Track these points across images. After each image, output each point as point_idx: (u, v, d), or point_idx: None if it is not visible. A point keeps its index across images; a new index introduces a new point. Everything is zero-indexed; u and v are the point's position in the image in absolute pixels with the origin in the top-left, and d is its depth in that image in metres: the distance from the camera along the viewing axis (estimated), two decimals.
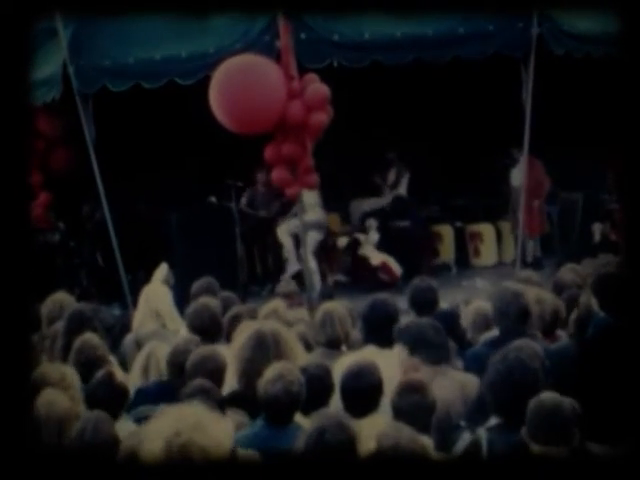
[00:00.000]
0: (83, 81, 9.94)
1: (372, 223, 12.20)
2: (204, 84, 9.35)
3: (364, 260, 11.89)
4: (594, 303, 5.17)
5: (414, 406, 4.26)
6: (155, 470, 3.31)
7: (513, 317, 5.17)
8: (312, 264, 10.87)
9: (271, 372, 4.34)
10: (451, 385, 4.83)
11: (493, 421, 4.19)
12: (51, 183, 11.92)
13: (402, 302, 6.24)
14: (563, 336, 5.76)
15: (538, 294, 5.77)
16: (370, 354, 5.31)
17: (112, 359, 6.24)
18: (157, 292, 8.06)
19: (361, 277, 11.92)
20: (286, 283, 11.19)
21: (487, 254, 12.98)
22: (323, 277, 11.46)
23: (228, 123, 9.29)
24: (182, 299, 7.63)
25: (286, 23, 9.49)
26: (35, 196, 11.61)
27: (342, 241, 12.14)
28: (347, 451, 3.66)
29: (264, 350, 4.89)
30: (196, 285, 7.40)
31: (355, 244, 12.16)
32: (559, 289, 6.65)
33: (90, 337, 5.68)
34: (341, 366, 4.96)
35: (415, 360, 4.95)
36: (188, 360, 5.14)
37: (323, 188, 10.67)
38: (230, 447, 3.41)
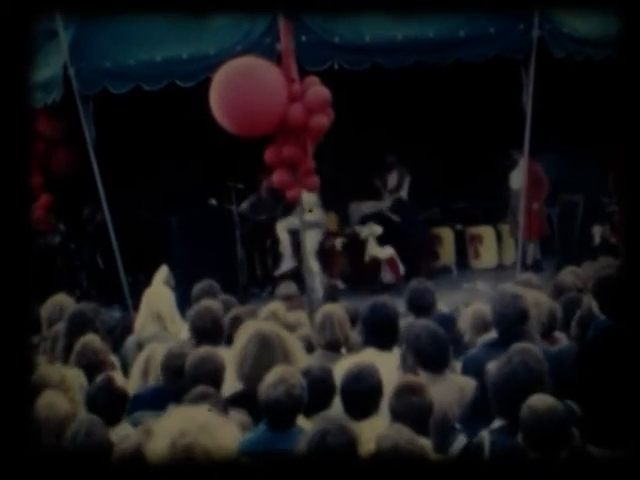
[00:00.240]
0: (84, 83, 9.95)
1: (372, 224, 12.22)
2: (204, 86, 9.35)
3: (366, 258, 11.87)
4: (594, 306, 5.18)
5: (411, 408, 4.25)
6: (157, 470, 3.32)
7: (512, 319, 5.16)
8: (313, 265, 10.86)
9: (272, 376, 4.33)
10: (450, 388, 4.83)
11: (497, 423, 4.19)
12: (51, 185, 11.92)
13: (402, 304, 6.26)
14: (563, 339, 5.76)
15: (535, 296, 5.78)
16: (370, 356, 5.31)
17: (114, 359, 6.25)
18: (159, 294, 8.04)
19: (362, 277, 11.91)
20: (286, 285, 11.20)
21: (487, 257, 12.98)
22: (325, 279, 11.46)
23: (228, 125, 9.29)
24: (182, 301, 7.63)
25: (287, 25, 9.50)
26: (35, 198, 11.61)
27: (338, 242, 12.10)
28: (348, 454, 3.66)
29: (267, 350, 4.89)
30: (197, 288, 7.40)
31: (355, 239, 12.14)
32: (559, 292, 6.64)
33: (91, 339, 5.68)
34: (341, 368, 4.96)
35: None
36: (187, 361, 5.14)
37: (323, 190, 10.67)
38: (235, 451, 3.42)
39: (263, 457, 3.92)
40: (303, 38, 9.59)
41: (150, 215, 12.29)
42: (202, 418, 3.43)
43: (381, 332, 5.53)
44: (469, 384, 4.87)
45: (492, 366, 4.55)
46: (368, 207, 13.03)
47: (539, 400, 3.96)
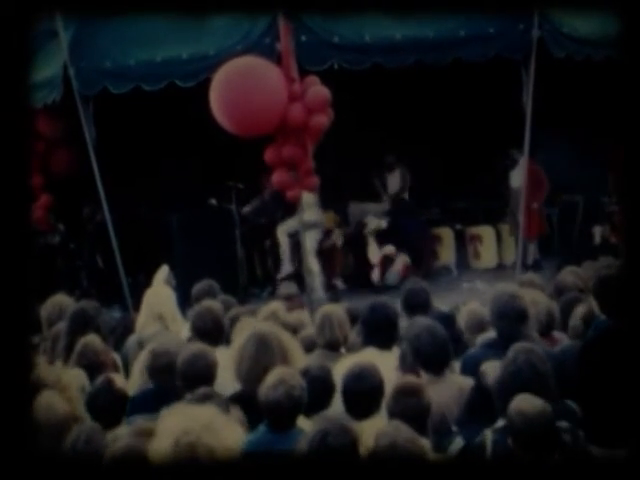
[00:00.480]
0: (84, 83, 9.95)
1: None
2: (204, 86, 9.35)
3: (371, 258, 11.89)
4: (594, 306, 5.18)
5: (409, 410, 4.24)
6: (150, 470, 3.32)
7: (511, 319, 5.16)
8: (313, 265, 10.86)
9: (272, 377, 4.33)
10: (449, 389, 4.83)
11: (500, 423, 4.19)
12: (51, 185, 11.92)
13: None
14: (564, 339, 5.77)
15: (532, 295, 5.79)
16: (370, 356, 5.31)
17: (116, 357, 6.25)
18: (160, 294, 8.04)
19: (363, 277, 11.91)
20: (286, 285, 11.22)
21: (487, 256, 12.97)
22: (326, 279, 11.47)
23: (228, 125, 9.29)
24: (182, 301, 7.63)
25: (287, 25, 9.50)
26: (35, 198, 11.61)
27: (339, 241, 12.09)
28: (349, 454, 3.66)
29: (265, 350, 4.89)
30: (196, 288, 7.40)
31: (357, 238, 12.14)
32: (560, 291, 6.65)
33: (92, 340, 5.67)
34: (341, 368, 4.97)
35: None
36: (179, 358, 5.15)
37: (323, 190, 10.67)
38: (238, 452, 3.42)
39: (264, 458, 3.91)
40: (303, 38, 9.58)
41: (150, 215, 12.28)
42: (206, 417, 3.45)
43: (381, 332, 5.53)
44: (469, 385, 4.87)
45: (486, 367, 4.55)
46: (369, 208, 13.02)
47: (527, 403, 3.96)
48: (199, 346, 5.25)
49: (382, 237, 12.09)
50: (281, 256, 11.58)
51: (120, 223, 10.59)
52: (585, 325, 5.47)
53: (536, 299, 5.77)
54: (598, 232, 12.16)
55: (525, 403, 3.96)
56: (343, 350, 5.78)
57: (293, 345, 5.10)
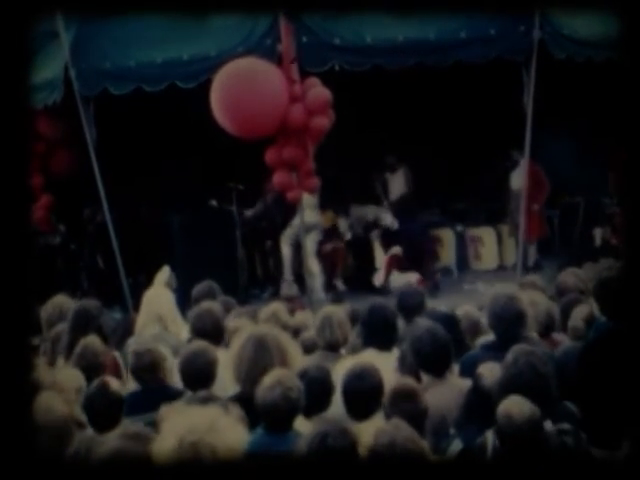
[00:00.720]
0: (84, 84, 9.96)
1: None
2: (205, 87, 9.35)
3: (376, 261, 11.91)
4: (595, 307, 5.18)
5: (406, 413, 4.23)
6: (161, 469, 3.33)
7: (509, 321, 5.16)
8: (314, 267, 10.87)
9: (269, 379, 4.33)
10: (450, 391, 4.82)
11: None
12: (52, 186, 11.92)
13: None
14: (564, 340, 5.76)
15: (531, 296, 5.79)
16: (369, 357, 5.32)
17: (118, 357, 6.25)
18: (159, 295, 8.04)
19: (366, 278, 11.92)
20: (288, 286, 11.22)
21: (488, 258, 12.97)
22: (327, 280, 11.47)
23: (229, 126, 9.29)
24: (183, 302, 7.63)
25: (288, 26, 9.50)
26: (36, 199, 11.61)
27: (341, 243, 12.09)
28: (349, 456, 3.65)
29: (263, 352, 4.89)
30: (197, 289, 7.41)
31: (360, 240, 12.14)
32: (561, 293, 6.65)
33: (92, 341, 5.67)
34: (341, 369, 4.97)
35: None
36: (179, 356, 5.15)
37: (324, 191, 10.67)
38: (240, 452, 3.43)
39: (264, 460, 3.91)
40: (304, 39, 9.59)
41: (151, 216, 12.29)
42: (210, 417, 3.47)
43: (380, 333, 5.55)
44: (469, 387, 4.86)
45: (483, 369, 4.54)
46: (371, 211, 12.99)
47: (516, 407, 3.95)
48: (200, 344, 5.25)
49: (386, 239, 12.10)
50: (283, 267, 11.52)
51: (121, 224, 10.60)
52: (586, 326, 5.47)
53: (536, 300, 5.77)
54: (599, 234, 12.15)
55: (514, 407, 3.95)
56: (343, 351, 5.78)
57: (292, 346, 5.10)
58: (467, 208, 13.52)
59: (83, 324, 6.04)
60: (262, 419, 4.33)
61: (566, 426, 4.14)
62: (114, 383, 4.88)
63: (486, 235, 12.98)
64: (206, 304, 6.29)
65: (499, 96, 11.40)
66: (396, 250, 11.90)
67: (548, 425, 4.10)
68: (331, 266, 11.83)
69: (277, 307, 6.72)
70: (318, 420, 4.00)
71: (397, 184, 12.87)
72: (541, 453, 3.91)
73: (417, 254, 12.12)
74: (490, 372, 4.46)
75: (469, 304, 6.71)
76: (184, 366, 5.05)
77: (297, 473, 3.66)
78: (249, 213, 11.72)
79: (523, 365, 4.23)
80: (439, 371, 4.99)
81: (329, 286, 11.52)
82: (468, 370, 5.00)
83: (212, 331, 5.91)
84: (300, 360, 5.12)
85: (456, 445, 4.26)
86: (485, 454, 4.05)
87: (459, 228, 13.08)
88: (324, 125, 9.54)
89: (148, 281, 8.59)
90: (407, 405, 4.33)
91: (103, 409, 4.67)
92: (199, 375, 5.00)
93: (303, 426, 4.35)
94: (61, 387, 4.81)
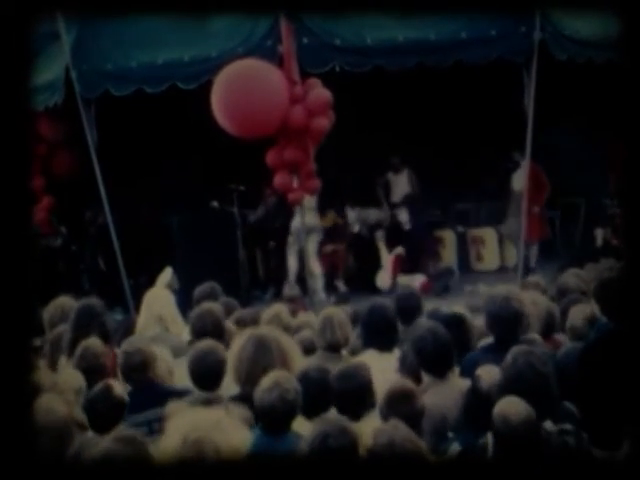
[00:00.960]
0: (85, 85, 9.97)
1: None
2: (206, 88, 9.36)
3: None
4: (596, 308, 5.17)
5: (402, 414, 4.21)
6: (163, 467, 3.34)
7: (506, 322, 5.15)
8: (315, 268, 10.87)
9: (267, 381, 4.33)
10: (451, 391, 4.81)
11: None
12: (53, 187, 11.94)
13: None
14: (566, 340, 5.76)
15: (533, 296, 5.78)
16: (370, 358, 5.31)
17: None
18: (159, 296, 8.04)
19: (367, 278, 11.92)
20: (290, 287, 11.22)
21: (489, 259, 12.98)
22: (328, 281, 11.47)
23: (230, 127, 9.30)
24: (184, 303, 7.63)
25: (288, 27, 9.50)
26: (37, 200, 11.63)
27: (342, 244, 12.08)
28: (350, 455, 3.66)
29: (264, 353, 4.89)
30: (198, 290, 7.40)
31: (361, 241, 12.13)
32: (562, 293, 6.65)
33: (93, 343, 5.65)
34: None
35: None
36: (188, 355, 5.16)
37: (324, 192, 10.67)
38: (243, 452, 3.44)
39: (265, 460, 3.91)
40: (304, 40, 9.60)
41: (152, 217, 12.30)
42: (215, 417, 3.49)
43: (380, 334, 5.55)
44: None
45: (481, 371, 4.54)
46: (374, 213, 12.98)
47: (513, 409, 3.94)
48: (209, 343, 5.25)
49: (390, 239, 12.10)
50: (288, 274, 11.50)
51: (122, 225, 10.61)
52: (587, 326, 5.47)
53: (537, 301, 5.77)
54: (600, 234, 12.15)
55: (510, 408, 3.94)
56: (344, 352, 5.78)
57: (292, 347, 5.09)
58: (468, 209, 13.51)
59: (86, 322, 6.02)
60: (260, 420, 4.33)
61: (567, 426, 4.14)
62: (118, 387, 4.88)
63: (487, 236, 12.98)
64: (206, 305, 6.29)
65: (500, 97, 11.40)
66: (400, 250, 11.91)
67: (549, 425, 4.10)
68: (332, 267, 11.83)
69: (279, 308, 6.72)
70: (318, 420, 3.99)
71: (401, 185, 12.86)
72: (538, 453, 3.91)
73: (421, 255, 12.14)
74: (488, 374, 4.45)
75: (458, 306, 6.68)
76: (193, 365, 5.05)
77: (298, 473, 3.67)
78: (251, 217, 11.73)
79: (522, 365, 4.23)
80: (440, 371, 4.98)
81: (331, 287, 11.53)
82: (468, 372, 5.00)
83: (212, 332, 5.90)
84: (301, 361, 5.12)
85: (454, 448, 4.26)
86: (486, 455, 4.05)
87: (460, 229, 13.09)
88: (324, 126, 9.55)
89: (149, 282, 8.59)
90: (404, 406, 4.32)
91: (105, 412, 4.67)
92: (208, 374, 5.01)
93: (304, 427, 4.35)
94: (61, 388, 4.80)
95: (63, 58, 9.98)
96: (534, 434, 3.93)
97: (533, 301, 5.62)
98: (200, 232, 10.81)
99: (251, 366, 4.85)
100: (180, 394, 5.02)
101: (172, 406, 4.54)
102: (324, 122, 9.52)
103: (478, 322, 5.88)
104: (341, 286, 11.81)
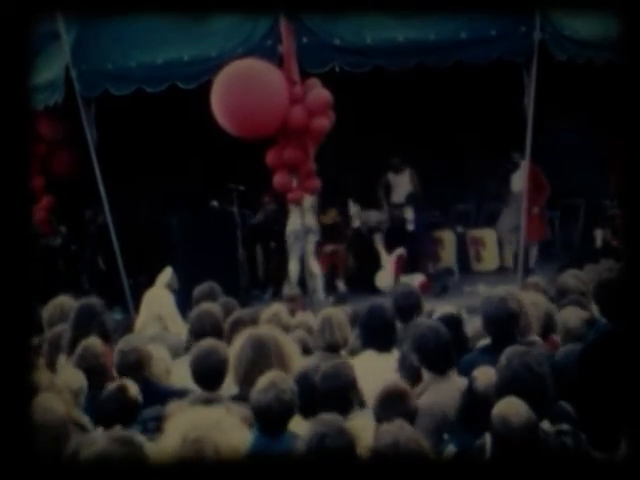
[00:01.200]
0: (85, 85, 9.97)
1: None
2: (206, 88, 9.36)
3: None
4: (595, 309, 5.17)
5: (396, 414, 4.20)
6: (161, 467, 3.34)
7: (502, 322, 5.14)
8: (315, 268, 10.87)
9: (263, 381, 4.33)
10: (451, 390, 4.82)
11: None
12: (53, 187, 11.94)
13: None
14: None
15: (532, 297, 5.78)
16: (369, 358, 5.32)
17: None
18: (158, 296, 8.06)
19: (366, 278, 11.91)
20: (290, 287, 11.20)
21: (489, 259, 12.97)
22: (328, 281, 11.47)
23: (230, 127, 9.30)
24: (184, 303, 7.63)
25: (288, 27, 9.51)
26: (37, 200, 11.63)
27: (342, 245, 12.07)
28: (347, 455, 3.66)
29: (263, 353, 4.89)
30: (197, 290, 7.40)
31: (361, 240, 12.12)
32: (562, 294, 6.65)
33: (92, 342, 5.65)
34: None
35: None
36: (190, 354, 5.16)
37: (324, 192, 10.68)
38: (242, 452, 3.44)
39: (263, 460, 3.91)
40: (304, 40, 9.60)
41: (151, 217, 12.30)
42: (215, 416, 3.50)
43: (379, 334, 5.55)
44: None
45: (477, 372, 4.54)
46: (374, 215, 12.96)
47: (512, 410, 3.94)
48: (211, 342, 5.25)
49: (390, 239, 12.10)
50: (290, 279, 11.48)
51: (121, 225, 10.61)
52: (586, 328, 5.47)
53: (536, 301, 5.77)
54: (599, 235, 12.14)
55: (510, 409, 3.93)
56: (343, 353, 5.78)
57: (291, 347, 5.10)
58: (468, 209, 13.51)
59: (86, 321, 6.02)
60: (256, 421, 4.33)
61: (565, 427, 4.13)
62: (132, 389, 4.87)
63: (487, 237, 12.98)
64: (205, 305, 6.30)
65: (500, 97, 11.40)
66: (401, 251, 11.91)
67: (546, 426, 4.10)
68: (332, 267, 11.83)
69: (278, 308, 6.71)
70: (315, 420, 3.99)
71: (403, 184, 12.85)
72: (537, 454, 3.91)
73: (421, 255, 12.14)
74: (485, 375, 4.45)
75: (449, 306, 6.68)
76: (196, 364, 5.05)
77: (296, 473, 3.67)
78: (252, 221, 11.75)
79: (517, 366, 4.22)
80: (441, 369, 4.98)
81: (331, 287, 11.53)
82: (465, 373, 5.00)
83: (211, 332, 5.91)
84: (300, 362, 5.12)
85: (450, 450, 4.25)
86: (484, 455, 4.05)
87: (460, 230, 13.08)
88: (324, 126, 9.56)
89: (149, 282, 8.60)
90: (397, 406, 4.32)
91: (118, 414, 4.66)
92: (210, 373, 5.01)
93: (302, 427, 4.34)
94: (60, 388, 4.80)
95: (63, 58, 9.99)
96: (534, 435, 3.93)
97: (533, 302, 5.62)
98: (200, 232, 10.81)
99: (249, 366, 4.85)
100: (176, 393, 5.03)
101: (172, 405, 4.55)
102: (324, 122, 9.52)
103: (477, 323, 5.91)
104: (341, 286, 11.80)
